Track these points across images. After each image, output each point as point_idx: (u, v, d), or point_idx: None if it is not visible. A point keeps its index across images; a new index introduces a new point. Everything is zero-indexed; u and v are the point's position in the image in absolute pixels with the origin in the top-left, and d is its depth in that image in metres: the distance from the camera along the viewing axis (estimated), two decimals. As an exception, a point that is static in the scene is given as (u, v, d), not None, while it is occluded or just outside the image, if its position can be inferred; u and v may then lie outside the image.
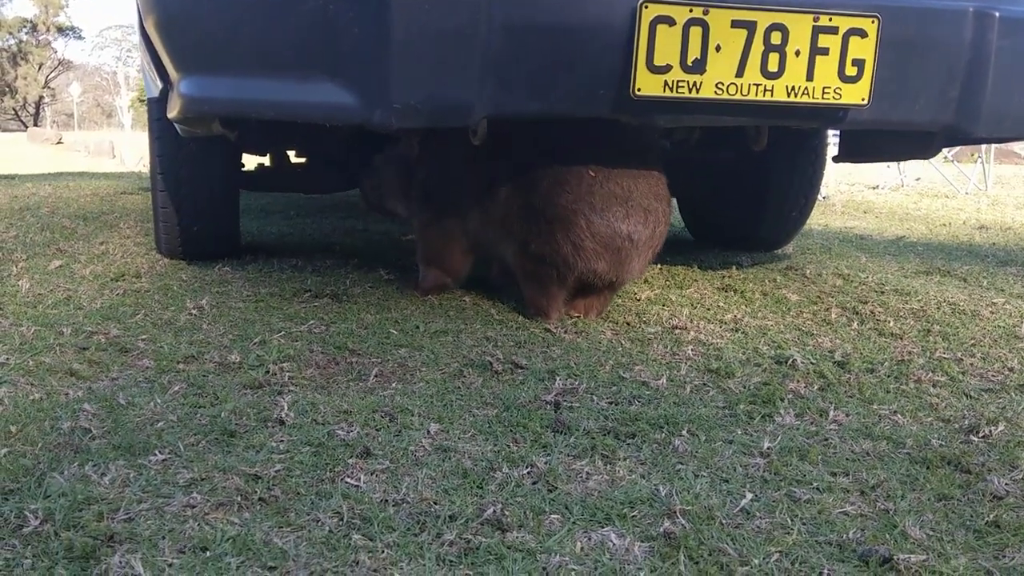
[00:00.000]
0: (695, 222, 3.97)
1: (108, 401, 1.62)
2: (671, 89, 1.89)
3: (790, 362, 2.02)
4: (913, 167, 8.95)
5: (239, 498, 1.24)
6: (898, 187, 8.23)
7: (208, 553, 1.10)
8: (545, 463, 1.40)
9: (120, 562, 1.06)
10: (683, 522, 1.22)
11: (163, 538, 1.12)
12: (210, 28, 1.87)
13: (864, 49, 1.95)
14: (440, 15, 1.78)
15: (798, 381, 1.90)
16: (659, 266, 3.12)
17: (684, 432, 1.58)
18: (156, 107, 2.74)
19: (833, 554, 1.16)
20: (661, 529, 1.19)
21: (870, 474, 1.42)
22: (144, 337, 2.06)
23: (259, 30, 1.84)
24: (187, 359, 1.92)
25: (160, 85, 2.33)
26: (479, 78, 1.85)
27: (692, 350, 2.13)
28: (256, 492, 1.26)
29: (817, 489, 1.36)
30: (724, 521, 1.23)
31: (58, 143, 25.77)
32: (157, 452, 1.39)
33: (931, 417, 1.71)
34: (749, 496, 1.31)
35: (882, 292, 2.81)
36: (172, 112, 2.08)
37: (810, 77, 1.96)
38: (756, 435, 1.58)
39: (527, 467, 1.39)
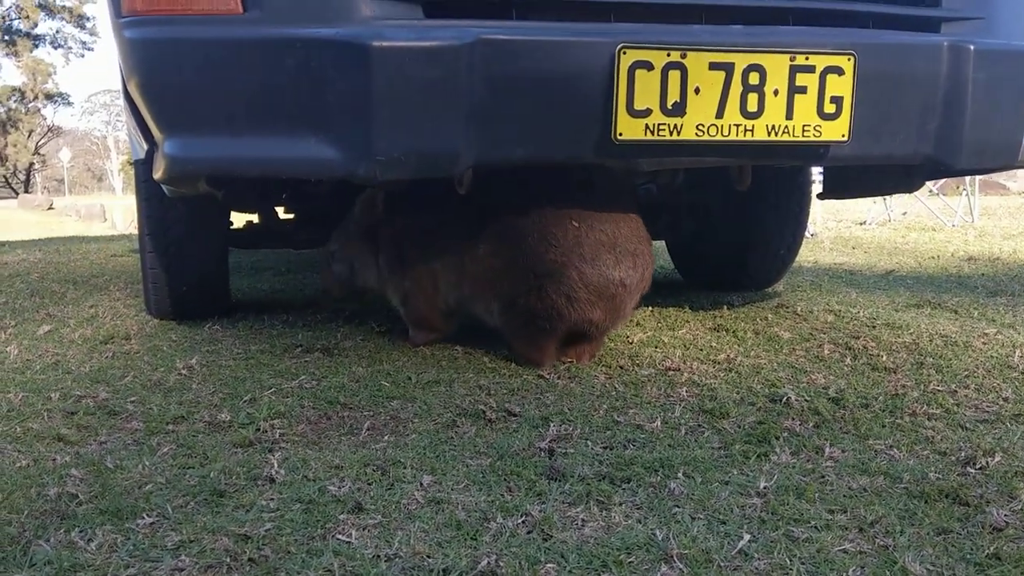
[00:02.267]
0: (684, 263, 3.98)
1: (96, 465, 1.60)
2: (652, 132, 1.91)
3: (784, 400, 2.01)
4: (899, 201, 9.02)
5: (228, 559, 1.22)
6: (885, 222, 8.29)
7: (197, 617, 1.07)
8: (540, 511, 1.38)
9: (107, 630, 1.04)
10: (680, 566, 1.20)
11: (151, 604, 1.10)
12: (191, 88, 1.88)
13: (842, 86, 1.98)
14: (421, 67, 1.80)
15: (793, 419, 1.89)
16: (650, 308, 3.12)
17: (680, 474, 1.56)
18: (143, 169, 2.75)
19: (834, 594, 1.14)
20: (658, 574, 1.17)
21: (868, 510, 1.40)
22: (133, 399, 2.04)
23: (241, 88, 1.86)
24: (176, 420, 1.91)
25: (145, 147, 2.33)
26: (463, 128, 1.86)
27: (686, 391, 2.12)
28: (245, 553, 1.24)
29: (815, 528, 1.34)
30: (722, 564, 1.21)
31: (49, 209, 25.85)
32: (145, 515, 1.37)
33: (927, 450, 1.70)
34: (747, 537, 1.29)
35: (874, 327, 2.81)
36: (157, 173, 2.09)
37: (789, 116, 1.98)
38: (752, 475, 1.56)
39: (522, 516, 1.37)
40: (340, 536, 1.30)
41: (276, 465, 1.59)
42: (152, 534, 1.31)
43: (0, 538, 1.28)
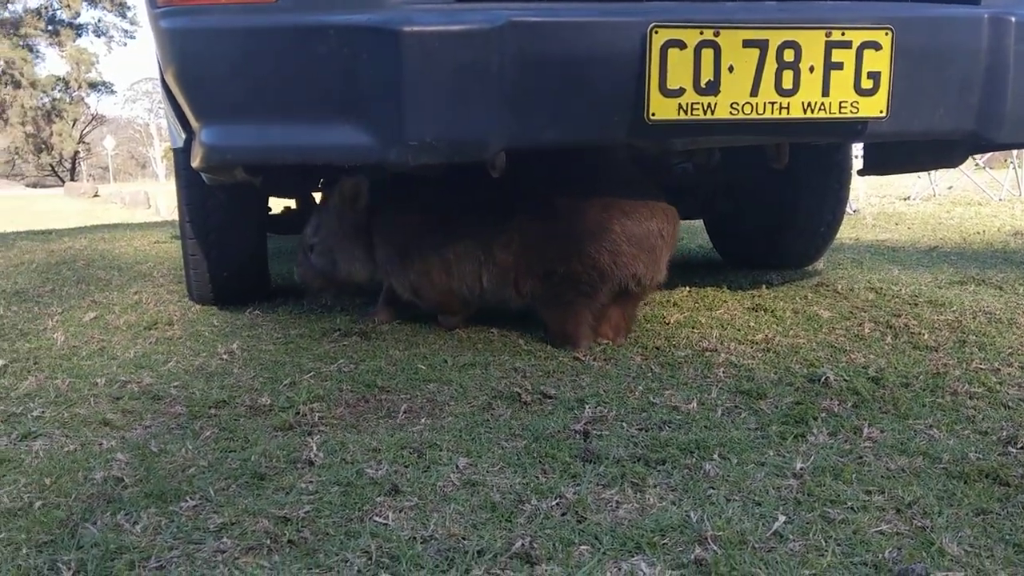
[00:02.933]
0: (722, 242, 3.95)
1: (141, 449, 1.64)
2: (685, 112, 1.90)
3: (823, 380, 1.99)
4: (944, 176, 8.84)
5: (268, 541, 1.25)
6: (930, 197, 8.14)
7: (238, 598, 1.10)
8: (574, 493, 1.39)
9: (151, 610, 1.07)
10: (714, 548, 1.20)
11: (194, 584, 1.13)
12: (227, 77, 1.91)
13: (879, 61, 1.94)
14: (452, 51, 1.80)
15: (831, 399, 1.87)
16: (687, 288, 3.10)
17: (715, 456, 1.56)
18: (181, 157, 2.79)
19: (869, 575, 1.13)
20: (692, 556, 1.17)
21: (906, 491, 1.39)
22: (176, 384, 2.08)
23: (275, 76, 1.87)
24: (218, 404, 1.94)
25: (184, 135, 2.37)
26: (494, 111, 1.86)
27: (723, 372, 2.11)
28: (285, 534, 1.26)
29: (852, 509, 1.33)
30: (756, 545, 1.21)
31: (94, 196, 26.27)
32: (188, 498, 1.40)
33: (968, 430, 1.68)
34: (782, 519, 1.29)
35: (916, 304, 2.77)
36: (195, 161, 2.12)
37: (826, 92, 1.95)
38: (789, 456, 1.56)
39: (556, 498, 1.38)
40: (377, 518, 1.32)
41: (315, 448, 1.61)
42: (195, 516, 1.34)
43: (49, 521, 1.32)
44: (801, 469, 1.48)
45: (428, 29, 1.79)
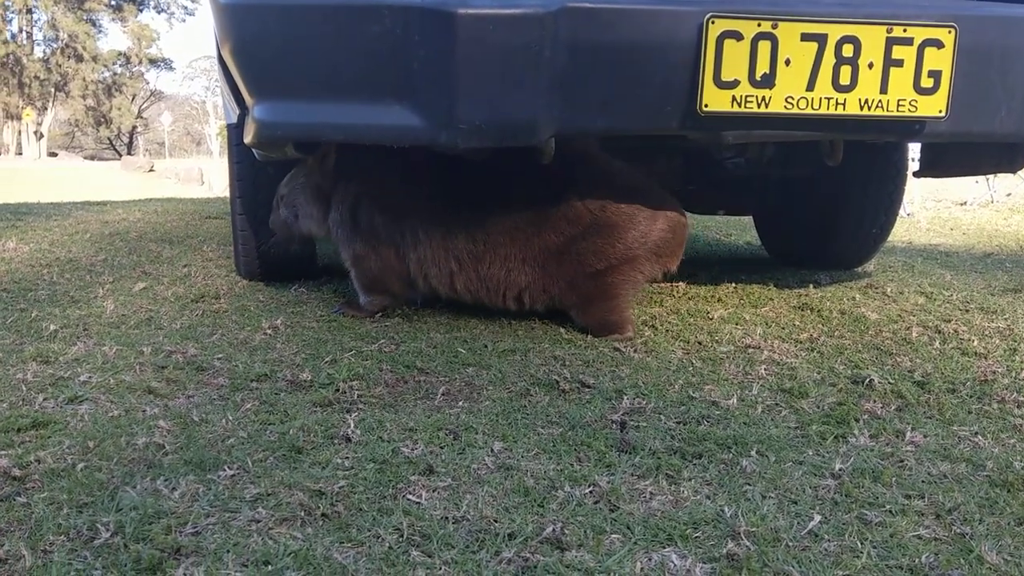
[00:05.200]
0: (771, 240, 3.90)
1: (183, 418, 1.67)
2: (739, 104, 1.87)
3: (867, 382, 1.96)
4: (1003, 181, 8.62)
5: (303, 513, 1.26)
6: (987, 203, 7.94)
7: (270, 567, 1.11)
8: (608, 482, 1.38)
9: (185, 574, 1.08)
10: (747, 543, 1.19)
11: (227, 552, 1.15)
12: (282, 54, 1.92)
13: (941, 60, 1.90)
14: (504, 35, 1.80)
15: (875, 401, 1.84)
16: (733, 284, 3.07)
17: (753, 452, 1.55)
18: (234, 133, 2.83)
19: (905, 580, 1.12)
20: (724, 550, 1.16)
21: (947, 497, 1.36)
22: (220, 356, 2.11)
23: (329, 55, 1.89)
24: (260, 377, 1.96)
25: (237, 111, 2.40)
26: (544, 96, 1.85)
27: (765, 369, 2.09)
28: (319, 508, 1.28)
29: (890, 512, 1.31)
30: (790, 543, 1.19)
31: (150, 171, 26.74)
32: (226, 468, 1.42)
33: (1014, 439, 1.64)
34: (818, 518, 1.27)
35: (967, 310, 2.72)
36: (248, 137, 2.14)
37: (884, 90, 1.92)
38: (828, 456, 1.53)
39: (589, 486, 1.37)
40: (411, 496, 1.33)
41: (353, 425, 1.62)
42: (232, 486, 1.36)
43: (90, 483, 1.34)
44: (840, 470, 1.46)
45: (483, 12, 1.78)
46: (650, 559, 1.15)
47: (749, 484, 1.41)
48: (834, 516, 1.29)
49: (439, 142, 1.88)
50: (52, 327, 2.30)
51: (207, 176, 20.43)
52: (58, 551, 1.14)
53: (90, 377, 1.91)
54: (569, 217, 2.38)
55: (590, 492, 1.35)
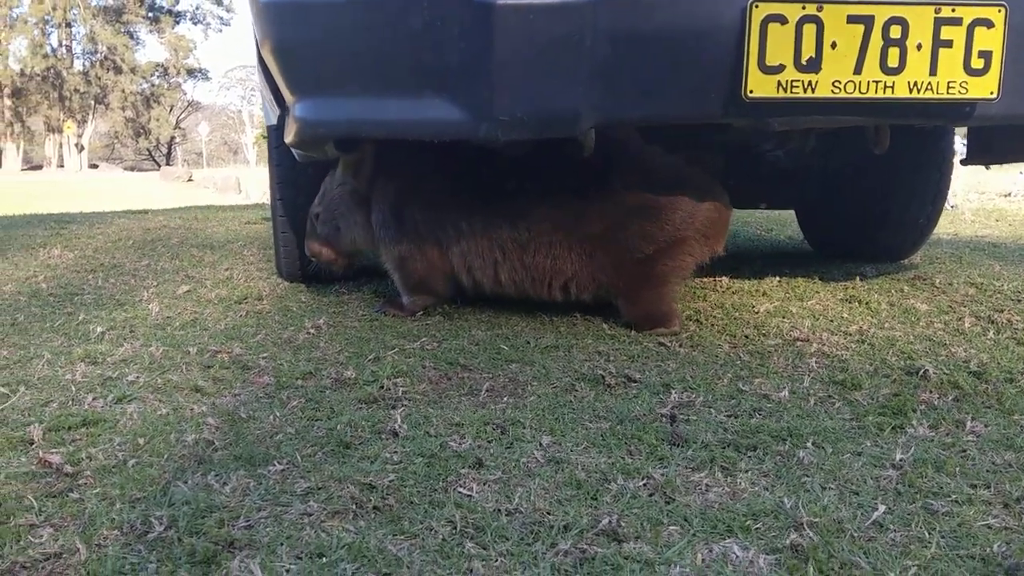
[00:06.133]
0: (814, 233, 3.84)
1: (230, 415, 1.67)
2: (785, 89, 1.84)
3: (921, 373, 1.91)
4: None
5: (354, 506, 1.25)
6: (1034, 194, 7.78)
7: (324, 559, 1.10)
8: (662, 475, 1.35)
9: (239, 567, 1.08)
10: (811, 534, 1.15)
11: (281, 544, 1.14)
12: (322, 51, 1.92)
13: (991, 40, 1.85)
14: (544, 25, 1.78)
15: (931, 392, 1.79)
16: (778, 278, 3.02)
17: (809, 444, 1.51)
18: (275, 134, 2.84)
19: (976, 568, 1.08)
20: (787, 541, 1.13)
21: (1014, 486, 1.32)
22: (265, 355, 2.11)
23: (368, 50, 1.88)
24: (305, 376, 1.96)
25: (278, 112, 2.40)
26: (585, 86, 1.83)
27: (815, 362, 2.04)
28: (371, 501, 1.26)
29: (956, 501, 1.27)
30: (855, 534, 1.16)
31: (188, 180, 27.07)
32: (276, 463, 1.41)
33: (1082, 427, 1.59)
34: (882, 508, 1.23)
35: (1019, 300, 2.65)
36: (288, 136, 2.15)
37: (933, 72, 1.87)
38: (887, 447, 1.49)
39: (643, 479, 1.35)
40: (461, 489, 1.31)
41: (399, 420, 1.61)
42: (282, 480, 1.35)
43: (142, 479, 1.34)
44: (901, 460, 1.42)
45: (522, 2, 1.76)
46: (711, 550, 1.12)
47: (807, 475, 1.37)
48: (898, 506, 1.25)
49: (479, 135, 1.87)
50: (99, 329, 2.32)
51: (244, 185, 20.63)
52: (112, 545, 1.14)
53: (138, 377, 1.92)
54: (614, 200, 2.36)
55: (644, 484, 1.33)
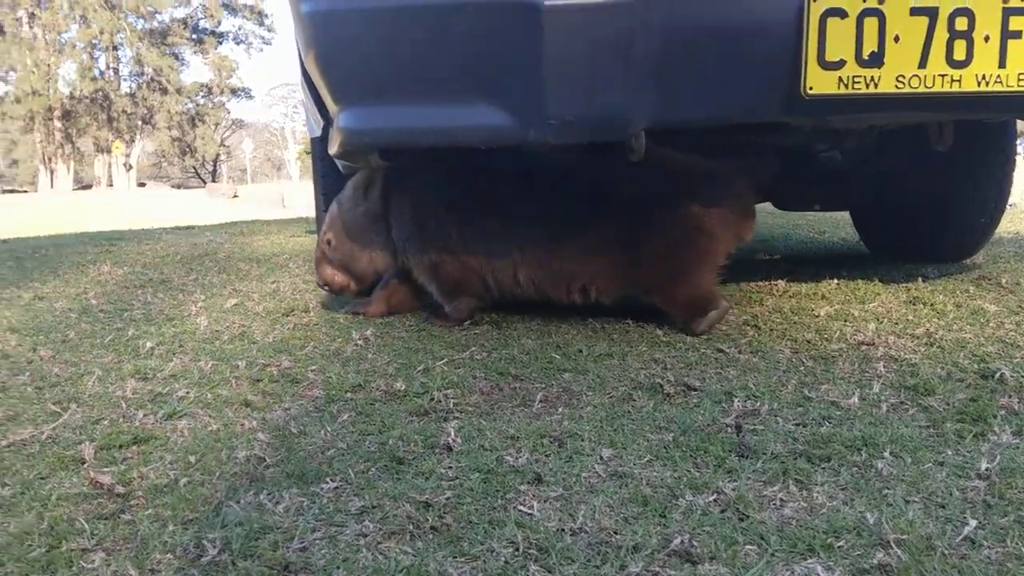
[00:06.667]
0: (871, 233, 3.72)
1: (281, 430, 1.63)
2: (846, 85, 1.76)
3: (998, 376, 1.82)
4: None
5: (411, 526, 1.20)
6: (1095, 190, 7.53)
7: (382, 583, 1.05)
8: (732, 489, 1.29)
9: (295, 592, 1.03)
10: (899, 553, 1.08)
11: (337, 568, 1.09)
12: (365, 58, 1.89)
13: (1064, 28, 1.76)
14: (592, 26, 1.73)
15: (1010, 396, 1.70)
16: (836, 280, 2.92)
17: (886, 454, 1.43)
18: (319, 146, 2.82)
19: (1085, 590, 1.00)
20: (875, 561, 1.05)
21: (1115, 497, 1.23)
22: (313, 368, 2.08)
23: (413, 57, 1.84)
24: (354, 388, 1.92)
25: (322, 123, 2.38)
26: (637, 88, 1.78)
27: (883, 367, 1.96)
28: (427, 520, 1.21)
29: (1053, 515, 1.18)
30: (946, 552, 1.08)
31: (234, 197, 27.46)
32: (329, 480, 1.37)
33: None
34: (972, 523, 1.15)
35: (1095, 299, 2.53)
36: (333, 147, 2.12)
37: (1002, 64, 1.78)
38: (970, 456, 1.41)
39: (713, 494, 1.28)
40: (521, 507, 1.26)
41: (452, 434, 1.56)
42: (336, 498, 1.31)
43: (194, 498, 1.31)
44: (987, 470, 1.33)
45: (570, 3, 1.72)
46: (792, 571, 1.05)
47: (888, 488, 1.29)
48: (990, 520, 1.17)
49: (529, 140, 1.82)
50: (149, 344, 2.31)
51: (288, 199, 20.86)
52: (165, 570, 1.10)
53: (188, 392, 1.90)
54: (631, 197, 2.33)
55: (715, 500, 1.26)
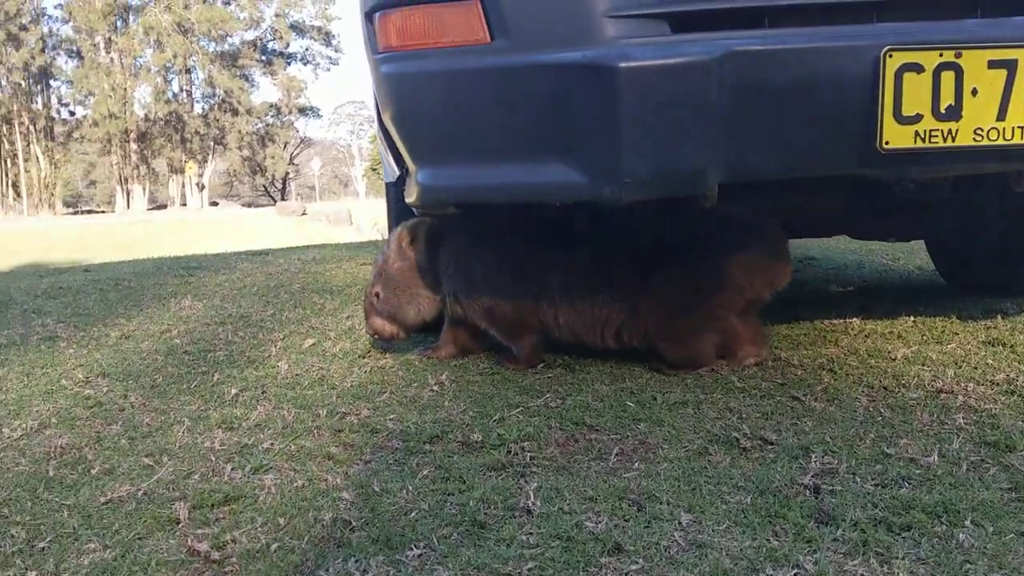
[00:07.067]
0: (947, 265, 3.65)
1: (363, 488, 1.68)
2: (923, 139, 1.76)
3: (1084, 432, 1.78)
4: None
5: (495, 600, 1.23)
6: None
7: (470, 662, 1.09)
8: (813, 563, 1.29)
9: (387, 671, 1.07)
10: (985, 642, 1.07)
11: (425, 643, 1.13)
12: (443, 120, 1.94)
13: None
14: (668, 85, 1.75)
15: (1098, 456, 1.67)
16: (912, 318, 2.88)
17: (967, 522, 1.42)
18: (393, 189, 2.89)
19: None
20: (960, 651, 1.05)
21: None
22: (392, 417, 2.13)
23: (489, 118, 1.89)
24: (432, 439, 1.96)
25: (397, 172, 2.44)
26: (711, 144, 1.79)
27: (963, 418, 1.93)
28: (511, 593, 1.25)
29: None
30: (1034, 641, 1.08)
31: (302, 215, 27.99)
32: (413, 546, 1.41)
33: None
34: (1061, 609, 1.14)
35: None
36: (410, 198, 2.17)
37: (1083, 114, 1.75)
38: (1056, 527, 1.39)
39: (793, 568, 1.29)
40: (602, 579, 1.28)
41: (532, 495, 1.59)
42: (421, 567, 1.35)
43: (285, 565, 1.36)
44: (1076, 545, 1.31)
45: (646, 64, 1.74)
46: (876, 660, 1.05)
47: (969, 562, 1.29)
48: (1079, 605, 1.16)
49: (603, 197, 1.85)
50: (233, 391, 2.39)
51: (355, 217, 21.20)
52: (262, 642, 1.15)
53: (272, 444, 1.96)
54: (657, 245, 2.42)
55: (795, 575, 1.27)
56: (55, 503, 1.66)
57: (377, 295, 2.70)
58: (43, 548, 1.47)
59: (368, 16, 2.04)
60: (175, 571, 1.36)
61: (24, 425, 2.14)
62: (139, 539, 1.49)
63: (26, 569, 1.40)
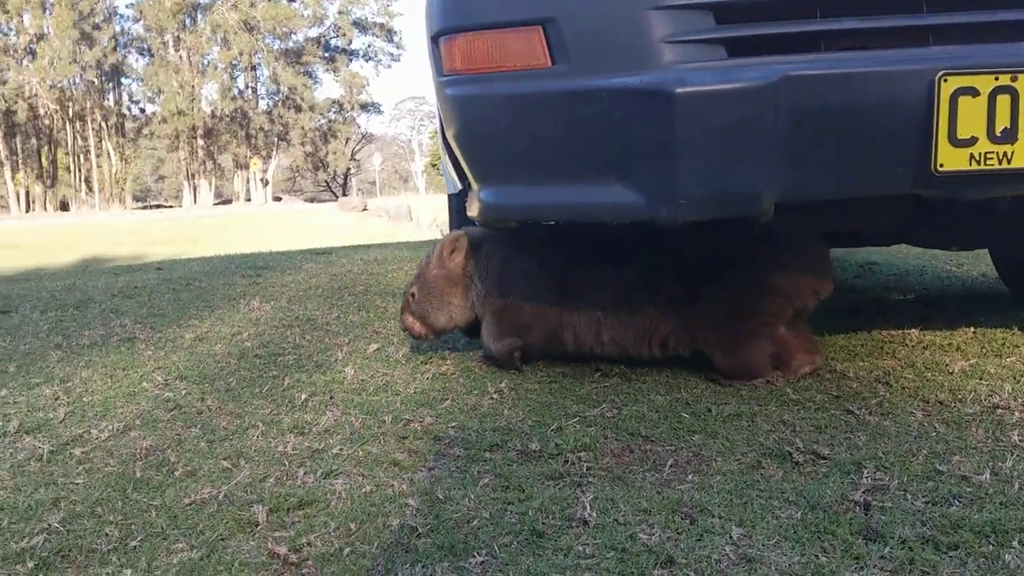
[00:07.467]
0: (1011, 274, 3.61)
1: (428, 495, 1.77)
2: (978, 162, 1.78)
3: None
4: None
5: (553, 608, 1.30)
6: None
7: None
8: (858, 580, 1.34)
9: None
10: (1023, 664, 1.12)
11: (487, 648, 1.21)
12: (505, 141, 2.02)
13: None
14: (726, 109, 1.80)
15: None
16: (972, 329, 2.88)
17: (1015, 543, 1.45)
18: (456, 200, 2.98)
19: None
20: (998, 673, 1.10)
21: None
22: (454, 424, 2.22)
23: (550, 140, 1.96)
24: (492, 447, 2.05)
25: (459, 186, 2.53)
26: (767, 167, 1.84)
27: (1018, 436, 1.95)
28: (569, 602, 1.32)
29: None
30: (1073, 665, 1.11)
31: (364, 210, 28.38)
32: (476, 554, 1.49)
33: None
34: (1102, 633, 1.17)
35: None
36: (472, 213, 2.25)
37: None
38: (1105, 551, 1.41)
39: (839, 585, 1.34)
40: (655, 591, 1.35)
41: (587, 506, 1.66)
42: (484, 574, 1.43)
43: (357, 569, 1.46)
44: (1122, 570, 1.34)
45: (703, 89, 1.80)
46: None
47: (1015, 584, 1.32)
48: (1121, 630, 1.19)
49: (660, 217, 1.91)
50: (303, 396, 2.50)
51: (415, 213, 21.42)
52: (337, 643, 1.24)
53: (341, 449, 2.06)
54: (703, 256, 2.49)
55: (841, 592, 1.32)
56: (144, 503, 1.78)
57: (413, 295, 2.87)
58: (135, 547, 1.59)
59: (434, 40, 2.13)
60: (257, 572, 1.47)
61: (111, 427, 2.28)
62: (222, 540, 1.60)
63: (121, 567, 1.51)
